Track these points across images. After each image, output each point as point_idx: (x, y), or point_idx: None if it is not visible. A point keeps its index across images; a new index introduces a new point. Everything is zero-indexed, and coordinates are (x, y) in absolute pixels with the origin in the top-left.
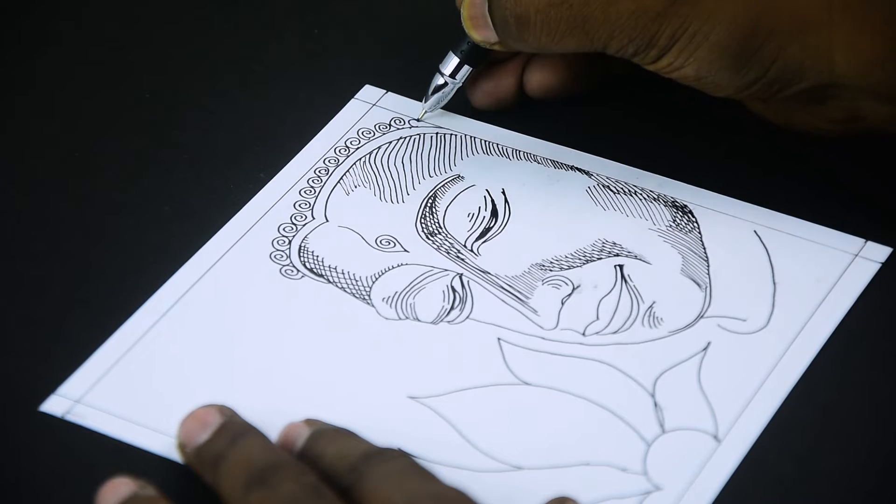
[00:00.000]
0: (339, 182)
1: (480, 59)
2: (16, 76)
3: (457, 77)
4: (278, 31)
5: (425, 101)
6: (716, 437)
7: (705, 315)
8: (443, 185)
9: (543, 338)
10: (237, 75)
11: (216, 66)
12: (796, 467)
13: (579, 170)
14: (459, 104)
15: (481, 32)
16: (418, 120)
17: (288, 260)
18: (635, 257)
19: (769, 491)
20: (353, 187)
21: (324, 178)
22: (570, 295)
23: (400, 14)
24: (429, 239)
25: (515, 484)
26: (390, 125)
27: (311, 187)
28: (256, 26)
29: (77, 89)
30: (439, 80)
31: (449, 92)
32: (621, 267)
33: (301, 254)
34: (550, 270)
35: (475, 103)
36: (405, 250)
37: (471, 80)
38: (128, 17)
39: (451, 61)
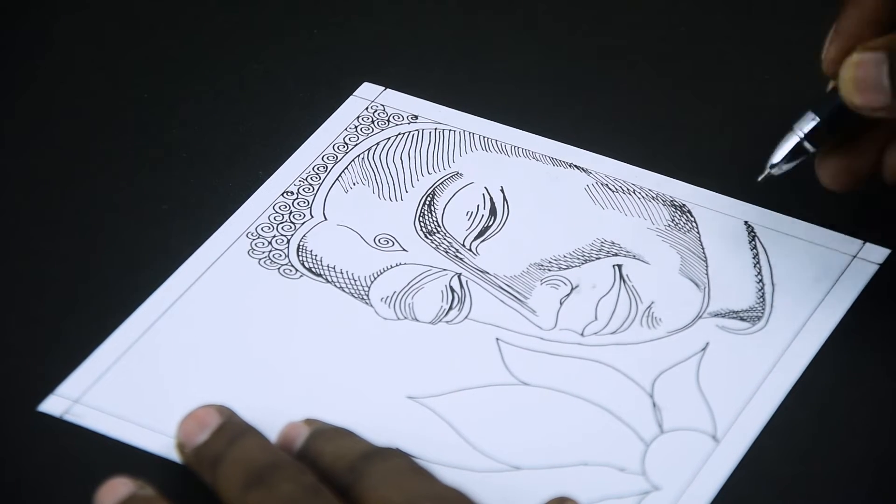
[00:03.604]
0: (337, 179)
1: (844, 126)
2: (16, 76)
3: (819, 144)
4: (277, 29)
5: (774, 161)
6: (714, 438)
7: (704, 315)
8: (441, 183)
9: (542, 338)
10: (236, 74)
11: (215, 65)
12: (794, 467)
13: (578, 167)
14: (457, 100)
15: (868, 97)
16: (759, 180)
17: (287, 259)
18: (634, 257)
19: (767, 491)
20: (352, 185)
21: (322, 176)
22: (568, 295)
23: (399, 10)
24: (427, 238)
25: (514, 484)
26: (389, 121)
27: (310, 185)
28: (255, 25)
29: (77, 89)
30: (792, 143)
31: (803, 158)
32: (620, 267)
33: (300, 253)
34: (549, 270)
35: (827, 182)
36: (404, 249)
37: (821, 156)
38: (128, 17)
39: (809, 122)
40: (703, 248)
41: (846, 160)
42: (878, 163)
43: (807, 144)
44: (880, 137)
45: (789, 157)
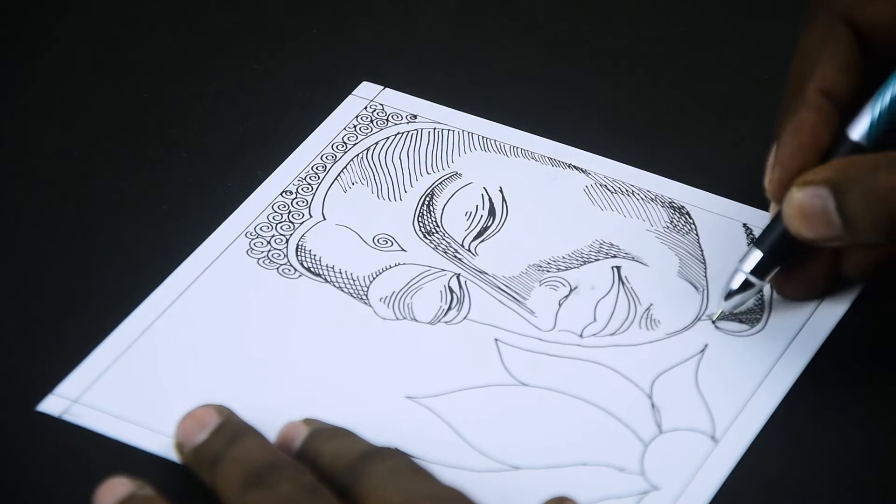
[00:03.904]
0: (336, 179)
1: (793, 255)
2: (16, 76)
3: (766, 278)
4: (276, 29)
5: (724, 303)
6: (713, 438)
7: (702, 317)
8: (440, 182)
9: (541, 339)
10: (236, 74)
11: (214, 65)
12: (792, 468)
13: (576, 168)
14: (456, 100)
15: (816, 231)
16: (713, 322)
17: (286, 259)
18: (633, 259)
19: (766, 491)
20: (351, 184)
21: (321, 175)
22: (567, 296)
23: (398, 10)
24: (426, 238)
25: (513, 484)
26: (388, 121)
27: (309, 184)
28: (254, 25)
29: (77, 89)
30: (738, 281)
31: (753, 293)
32: (618, 268)
33: (299, 252)
34: (548, 271)
35: (787, 295)
36: (402, 249)
37: (777, 280)
38: (128, 17)
39: (754, 256)
40: (701, 251)
41: (803, 273)
42: (835, 267)
43: (754, 279)
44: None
45: (740, 294)
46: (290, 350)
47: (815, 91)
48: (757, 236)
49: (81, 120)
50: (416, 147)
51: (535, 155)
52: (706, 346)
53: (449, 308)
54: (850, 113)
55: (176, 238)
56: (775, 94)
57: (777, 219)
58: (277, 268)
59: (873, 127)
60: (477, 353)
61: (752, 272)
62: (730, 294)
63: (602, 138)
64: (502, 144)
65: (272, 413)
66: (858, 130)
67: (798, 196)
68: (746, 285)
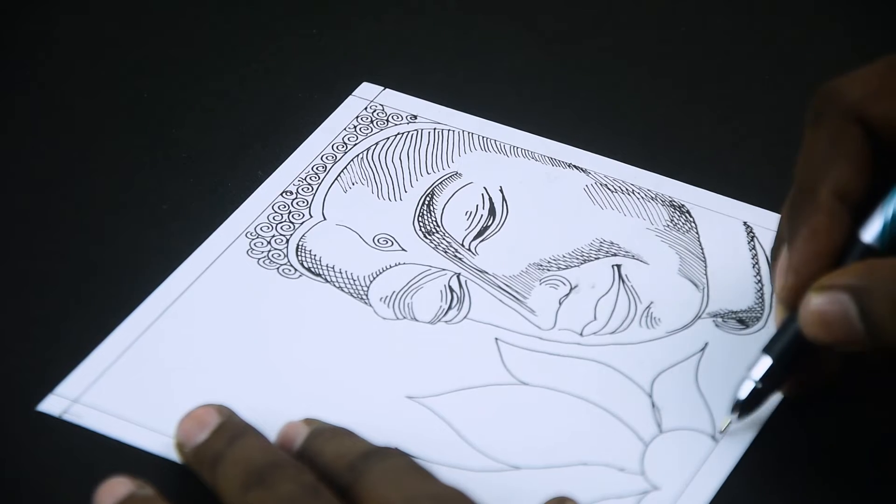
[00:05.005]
0: (336, 179)
1: (806, 360)
2: (16, 76)
3: (781, 387)
4: (276, 29)
5: (732, 414)
6: (713, 437)
7: (703, 316)
8: (440, 182)
9: (541, 338)
10: (235, 74)
11: (214, 66)
12: (793, 467)
13: (576, 167)
14: (456, 100)
15: (836, 336)
16: (721, 433)
17: (286, 259)
18: (633, 257)
19: (766, 490)
20: (351, 184)
21: (321, 176)
22: (567, 295)
23: (398, 10)
24: (426, 237)
25: (513, 483)
26: (388, 121)
27: (309, 185)
28: (254, 25)
29: (76, 89)
30: (747, 389)
31: (764, 404)
32: (619, 267)
33: (299, 253)
34: (548, 270)
35: (789, 394)
36: (403, 249)
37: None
38: (128, 17)
39: (763, 363)
40: (702, 249)
41: (807, 374)
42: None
43: (763, 387)
44: None
45: (750, 405)
46: (291, 350)
47: (829, 195)
48: (769, 341)
49: (81, 120)
50: (416, 147)
51: (535, 155)
52: (706, 344)
53: (449, 307)
54: (861, 214)
55: (176, 238)
56: (775, 94)
57: (787, 325)
58: (278, 268)
59: (886, 229)
60: (477, 353)
61: (762, 380)
62: (737, 404)
63: (602, 138)
64: (502, 144)
65: (272, 413)
66: (871, 233)
67: (817, 302)
68: (758, 395)
